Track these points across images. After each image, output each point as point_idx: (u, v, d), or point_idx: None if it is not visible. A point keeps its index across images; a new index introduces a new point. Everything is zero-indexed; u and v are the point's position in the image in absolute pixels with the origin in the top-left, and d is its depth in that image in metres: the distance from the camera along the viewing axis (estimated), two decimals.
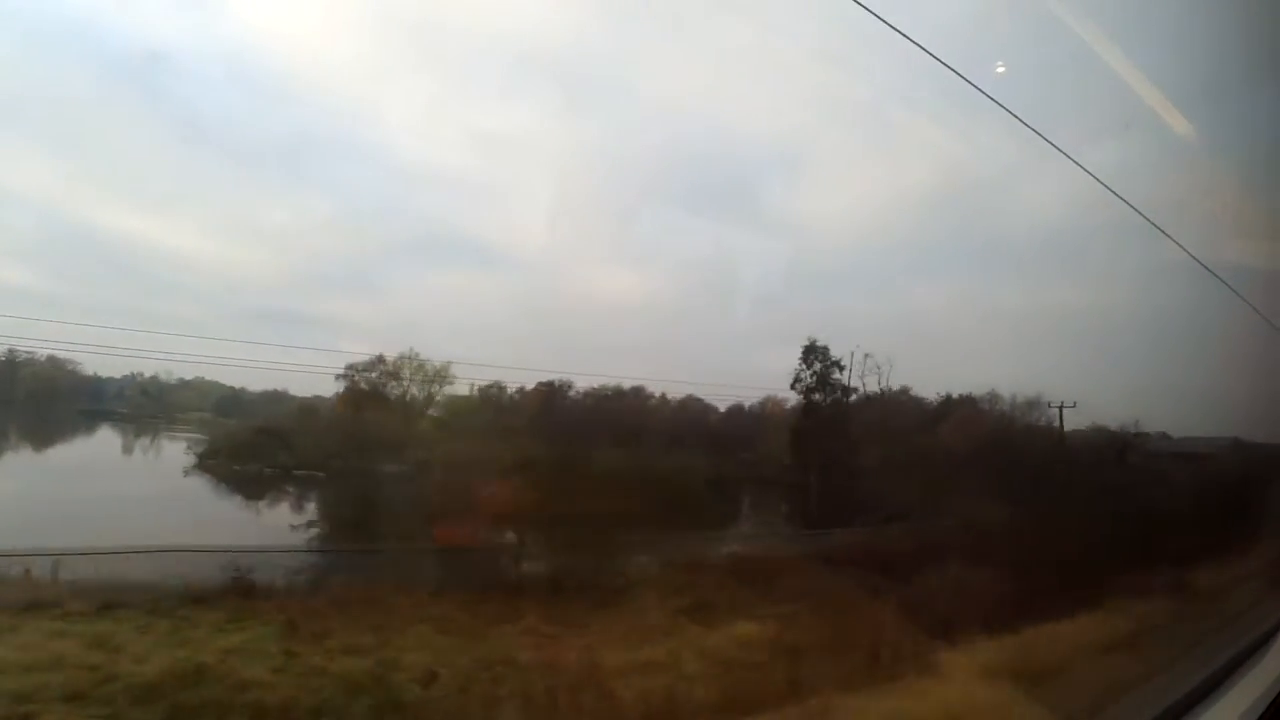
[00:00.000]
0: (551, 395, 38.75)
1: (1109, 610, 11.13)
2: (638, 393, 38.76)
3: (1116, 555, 14.68)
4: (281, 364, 31.69)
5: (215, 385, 40.53)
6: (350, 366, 33.57)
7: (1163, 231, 11.65)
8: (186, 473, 26.70)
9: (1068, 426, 25.86)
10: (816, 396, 24.83)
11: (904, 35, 7.32)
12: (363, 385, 34.07)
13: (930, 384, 28.15)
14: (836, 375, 24.75)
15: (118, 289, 32.49)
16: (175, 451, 30.47)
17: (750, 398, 37.91)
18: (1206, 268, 12.30)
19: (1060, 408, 24.02)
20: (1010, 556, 15.89)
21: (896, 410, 26.38)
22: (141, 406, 38.06)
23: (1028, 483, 19.22)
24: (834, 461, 23.53)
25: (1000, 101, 8.83)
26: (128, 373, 38.40)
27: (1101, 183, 10.47)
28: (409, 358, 34.14)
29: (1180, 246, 12.02)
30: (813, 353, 24.51)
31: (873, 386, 25.40)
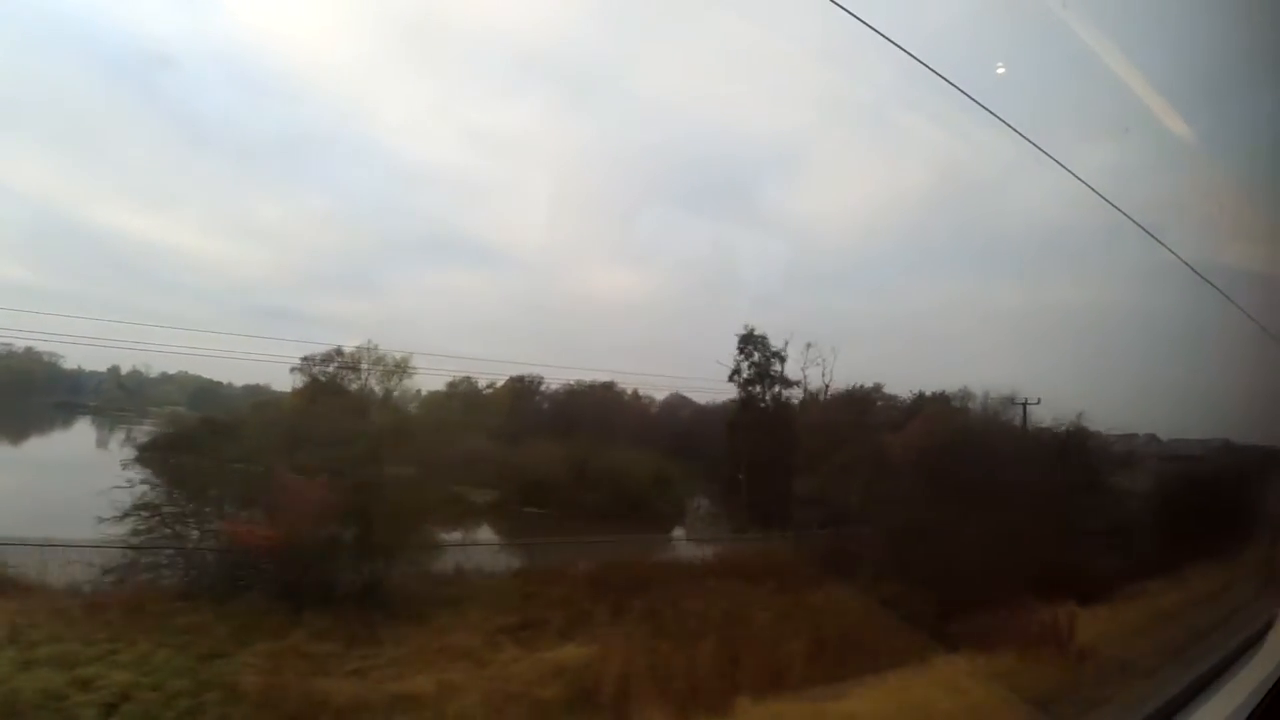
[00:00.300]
0: (522, 390, 37.14)
1: (927, 674, 8.55)
2: (609, 388, 36.87)
3: (1014, 577, 11.97)
4: (272, 357, 31.03)
5: (196, 379, 40.22)
6: (307, 358, 32.45)
7: (1155, 238, 11.30)
8: (125, 465, 25.78)
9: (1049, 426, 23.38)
10: (755, 390, 22.39)
11: (898, 45, 6.91)
12: (319, 378, 33.00)
13: (920, 382, 26.54)
14: (777, 367, 22.26)
15: (114, 285, 32.44)
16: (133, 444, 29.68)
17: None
18: (1197, 272, 11.86)
19: (1024, 404, 21.04)
20: (910, 572, 13.53)
21: (854, 407, 23.70)
22: (115, 400, 37.71)
23: (968, 485, 16.48)
24: (769, 460, 21.05)
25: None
26: (111, 366, 38.48)
27: (1095, 190, 10.03)
28: (367, 349, 32.89)
29: (1173, 253, 11.72)
30: (750, 342, 22.08)
31: (815, 379, 22.81)
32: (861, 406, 23.20)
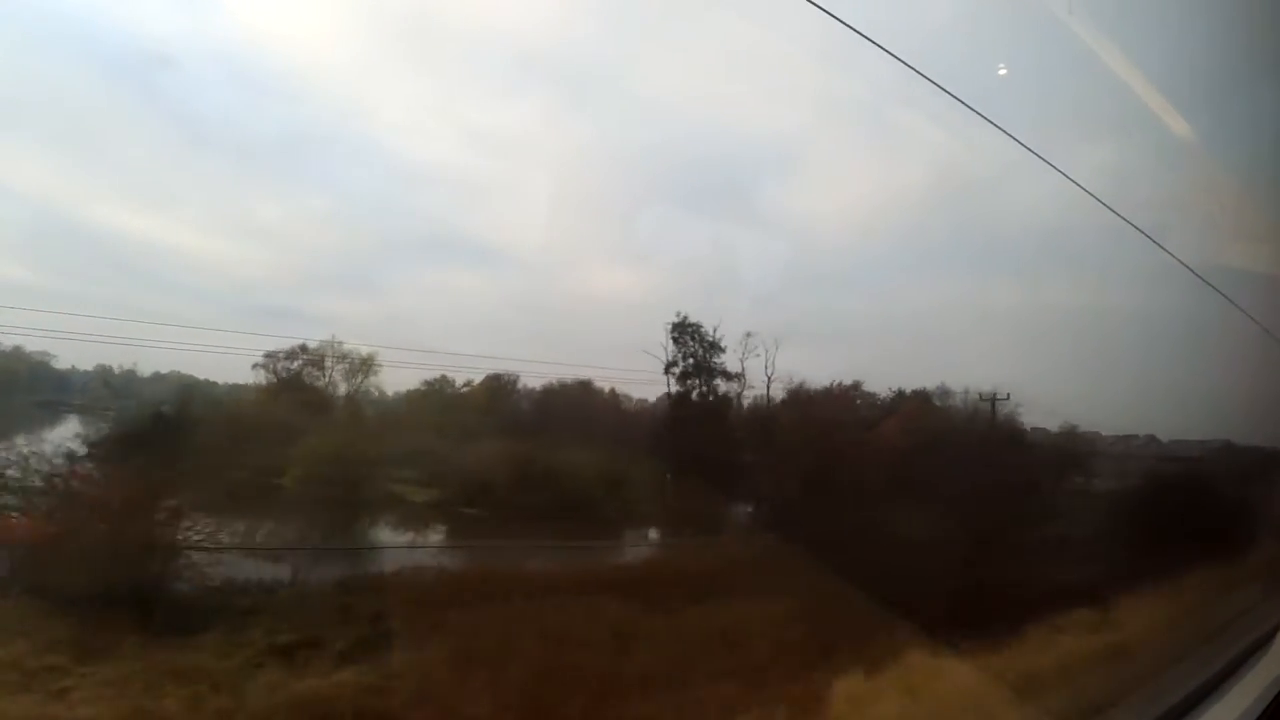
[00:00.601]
0: (498, 389, 35.99)
1: None
2: (586, 386, 35.50)
3: (910, 599, 9.66)
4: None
5: (188, 378, 40.26)
6: (270, 354, 31.85)
7: (1154, 240, 10.87)
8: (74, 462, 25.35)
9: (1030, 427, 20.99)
10: (693, 383, 20.23)
11: (891, 53, 6.71)
12: (282, 374, 32.37)
13: (916, 380, 24.92)
14: (716, 359, 20.07)
15: (113, 285, 32.71)
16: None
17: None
18: (1197, 274, 11.39)
19: (993, 400, 18.34)
20: (811, 586, 11.39)
21: (808, 404, 21.26)
22: (100, 398, 37.85)
23: (898, 490, 14.12)
24: (707, 459, 18.83)
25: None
26: (98, 365, 38.77)
27: (1089, 192, 9.71)
28: (332, 344, 32.06)
29: (1173, 255, 11.29)
30: (684, 331, 19.95)
31: (756, 371, 20.45)
32: (814, 403, 20.68)
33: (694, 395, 20.19)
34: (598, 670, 8.79)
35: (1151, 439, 23.12)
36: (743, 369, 20.25)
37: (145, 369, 38.14)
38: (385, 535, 20.21)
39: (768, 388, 20.38)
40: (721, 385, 20.12)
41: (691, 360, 20.05)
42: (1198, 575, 10.67)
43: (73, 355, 32.16)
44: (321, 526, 19.90)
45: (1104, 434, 22.61)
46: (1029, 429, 18.20)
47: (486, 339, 36.50)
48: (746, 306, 31.02)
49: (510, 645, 9.69)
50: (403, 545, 18.17)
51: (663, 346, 20.16)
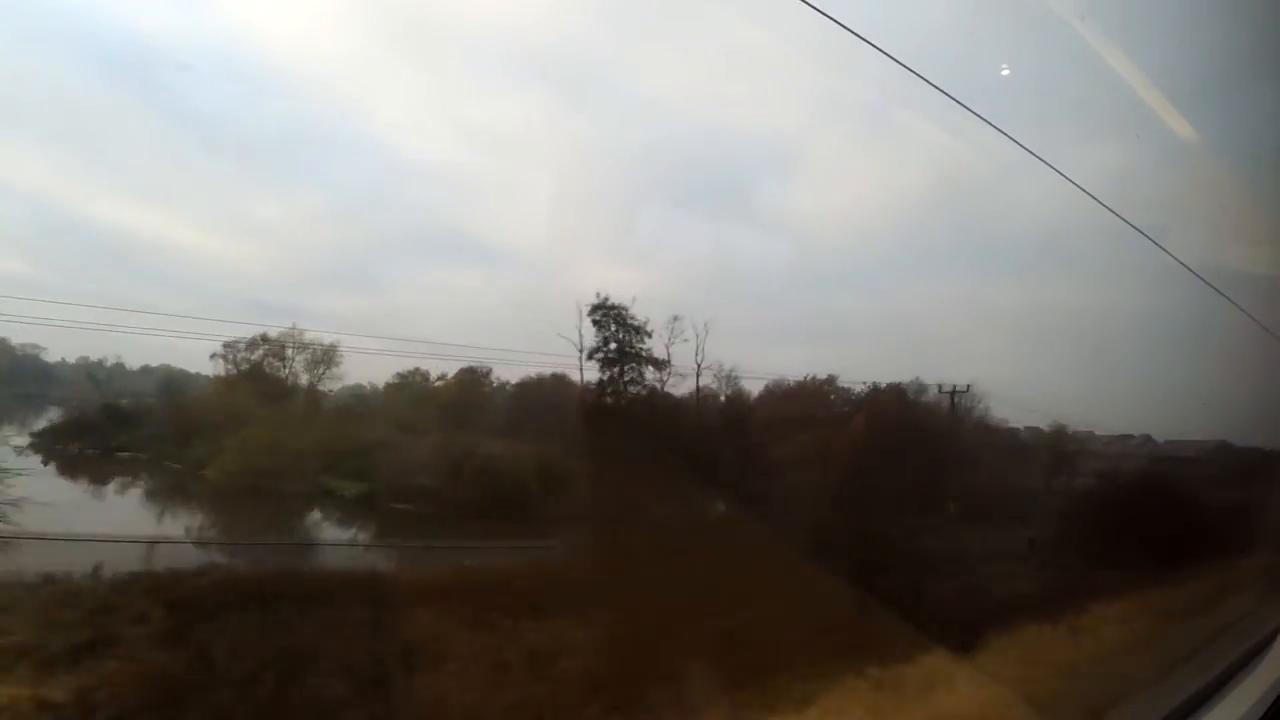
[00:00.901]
0: (470, 382, 34.89)
1: None
2: (559, 379, 34.19)
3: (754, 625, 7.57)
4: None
5: (176, 371, 40.27)
6: (228, 344, 31.07)
7: (1155, 241, 10.98)
8: (19, 452, 25.01)
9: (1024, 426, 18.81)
10: (613, 370, 18.25)
11: (892, 57, 6.68)
12: (241, 365, 31.64)
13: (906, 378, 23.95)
14: (640, 344, 18.04)
15: (112, 281, 33.25)
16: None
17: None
18: (1196, 274, 11.49)
19: (953, 392, 15.85)
20: (642, 600, 9.43)
21: (739, 394, 19.05)
22: (82, 391, 37.94)
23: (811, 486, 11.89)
24: (617, 452, 16.87)
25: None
26: (80, 357, 38.97)
27: (1088, 193, 9.87)
28: (291, 334, 31.13)
29: (1173, 256, 11.38)
30: (606, 314, 17.95)
31: (684, 358, 18.34)
32: (739, 393, 18.38)
33: (615, 384, 18.22)
34: (319, 703, 6.96)
35: (1147, 439, 21.08)
36: (668, 355, 18.25)
37: (135, 362, 38.12)
38: (288, 530, 18.91)
39: (697, 376, 18.29)
40: (647, 373, 18.10)
41: (614, 346, 18.10)
42: (1135, 600, 8.14)
43: (63, 348, 32.29)
44: (221, 519, 18.78)
45: (1098, 433, 20.53)
46: (1022, 428, 16.34)
47: (484, 335, 35.97)
48: (745, 305, 29.95)
49: (243, 663, 7.96)
50: (284, 542, 16.69)
51: (576, 328, 18.29)
